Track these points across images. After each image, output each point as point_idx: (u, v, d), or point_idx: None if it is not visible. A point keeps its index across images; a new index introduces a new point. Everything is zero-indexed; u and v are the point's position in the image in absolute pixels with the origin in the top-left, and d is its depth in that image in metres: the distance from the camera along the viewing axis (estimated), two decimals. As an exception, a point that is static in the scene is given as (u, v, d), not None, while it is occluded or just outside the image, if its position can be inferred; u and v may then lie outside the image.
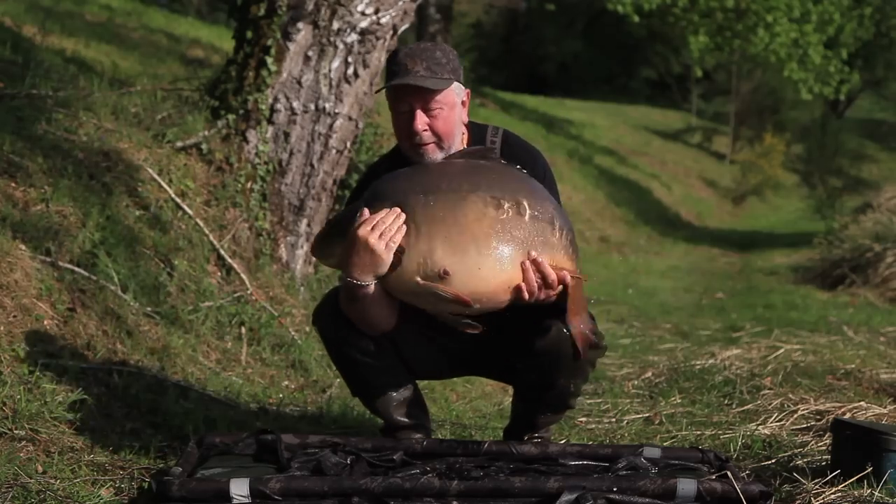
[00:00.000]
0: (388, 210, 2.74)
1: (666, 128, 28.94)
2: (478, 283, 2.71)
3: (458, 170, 2.85)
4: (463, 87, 2.98)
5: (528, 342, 2.96)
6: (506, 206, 2.75)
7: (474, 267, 2.70)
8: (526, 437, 3.23)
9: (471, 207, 2.73)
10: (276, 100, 5.26)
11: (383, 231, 2.72)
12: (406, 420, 3.20)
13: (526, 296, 2.75)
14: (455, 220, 2.72)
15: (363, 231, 2.74)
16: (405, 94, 2.90)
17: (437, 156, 2.95)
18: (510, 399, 3.36)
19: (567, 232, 2.85)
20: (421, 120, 2.90)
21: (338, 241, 2.84)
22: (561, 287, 2.80)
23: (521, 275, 2.74)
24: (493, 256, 2.71)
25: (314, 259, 5.40)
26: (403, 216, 2.73)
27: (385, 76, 2.97)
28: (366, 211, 2.77)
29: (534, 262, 2.74)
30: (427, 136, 2.92)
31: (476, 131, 3.09)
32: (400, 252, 2.73)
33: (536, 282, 2.75)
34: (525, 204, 2.77)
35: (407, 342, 3.07)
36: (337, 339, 3.08)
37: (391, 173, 2.93)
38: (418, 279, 2.72)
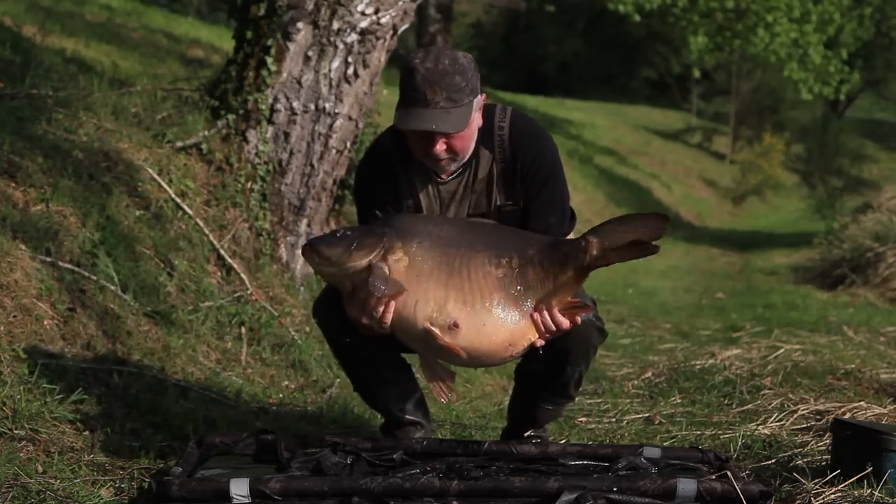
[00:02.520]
0: (373, 294, 2.71)
1: (666, 128, 28.92)
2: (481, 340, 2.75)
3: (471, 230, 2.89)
4: (480, 96, 2.90)
5: None
6: (503, 262, 2.78)
7: (479, 323, 2.74)
8: (525, 435, 3.23)
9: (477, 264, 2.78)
10: (276, 100, 5.25)
11: (370, 314, 2.72)
12: (406, 416, 3.19)
13: (542, 343, 2.80)
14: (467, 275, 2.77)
15: (354, 313, 2.75)
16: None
17: (451, 166, 2.94)
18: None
19: (544, 260, 2.81)
20: (440, 144, 2.86)
21: (335, 259, 2.79)
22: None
23: (521, 332, 2.76)
24: (493, 314, 2.75)
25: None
26: (388, 301, 2.72)
27: (400, 96, 2.86)
28: (347, 284, 2.75)
29: (540, 311, 2.76)
30: (444, 154, 2.89)
31: (484, 113, 2.99)
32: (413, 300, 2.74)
33: (549, 328, 2.78)
34: (516, 258, 2.79)
35: None
36: (338, 332, 3.06)
37: (422, 217, 2.94)
38: (428, 324, 2.74)
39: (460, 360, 2.79)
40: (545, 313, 2.76)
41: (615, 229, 2.79)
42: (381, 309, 2.71)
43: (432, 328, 2.72)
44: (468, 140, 2.91)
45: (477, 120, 2.93)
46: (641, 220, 2.82)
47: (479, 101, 2.91)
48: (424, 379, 2.89)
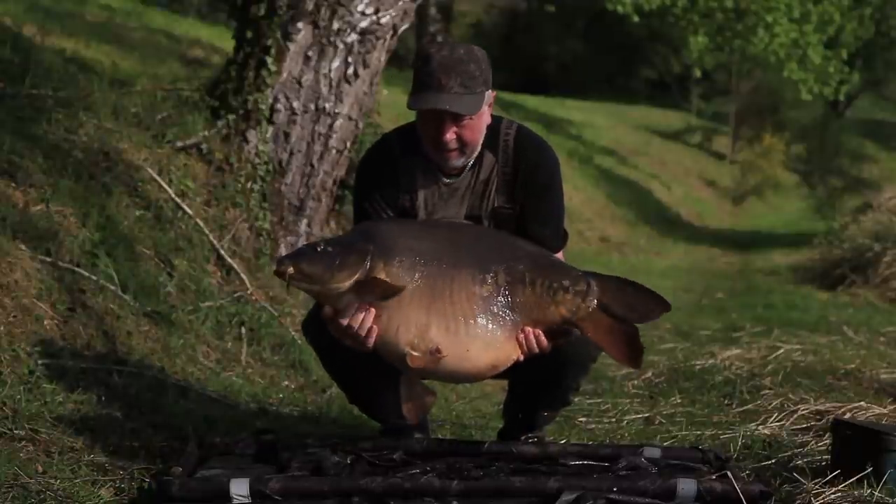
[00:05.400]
0: (356, 312, 2.68)
1: (666, 128, 28.89)
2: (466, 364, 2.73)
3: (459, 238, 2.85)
4: (491, 91, 2.94)
5: None
6: (489, 279, 2.74)
7: (463, 349, 2.70)
8: (523, 438, 3.22)
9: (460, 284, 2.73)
10: (276, 100, 5.26)
11: (354, 334, 2.70)
12: (404, 422, 3.19)
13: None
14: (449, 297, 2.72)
15: (338, 332, 2.72)
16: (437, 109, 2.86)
17: (459, 161, 2.95)
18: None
19: (535, 281, 2.77)
20: (451, 132, 2.88)
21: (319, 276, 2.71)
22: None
23: (505, 354, 2.75)
24: (477, 339, 2.72)
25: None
26: (373, 314, 2.68)
27: (414, 82, 2.89)
28: (330, 303, 2.71)
29: (526, 334, 2.75)
30: (454, 143, 2.91)
31: (490, 124, 3.02)
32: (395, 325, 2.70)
33: (533, 350, 2.77)
34: (502, 274, 2.75)
35: None
36: (329, 349, 3.06)
37: (404, 229, 2.87)
38: (409, 349, 2.70)
39: (441, 378, 2.83)
40: (531, 336, 2.75)
41: (619, 291, 2.79)
42: (364, 334, 2.69)
43: (414, 354, 2.69)
44: (477, 133, 2.93)
45: (486, 116, 2.96)
46: (647, 297, 2.80)
47: (490, 96, 2.94)
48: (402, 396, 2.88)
